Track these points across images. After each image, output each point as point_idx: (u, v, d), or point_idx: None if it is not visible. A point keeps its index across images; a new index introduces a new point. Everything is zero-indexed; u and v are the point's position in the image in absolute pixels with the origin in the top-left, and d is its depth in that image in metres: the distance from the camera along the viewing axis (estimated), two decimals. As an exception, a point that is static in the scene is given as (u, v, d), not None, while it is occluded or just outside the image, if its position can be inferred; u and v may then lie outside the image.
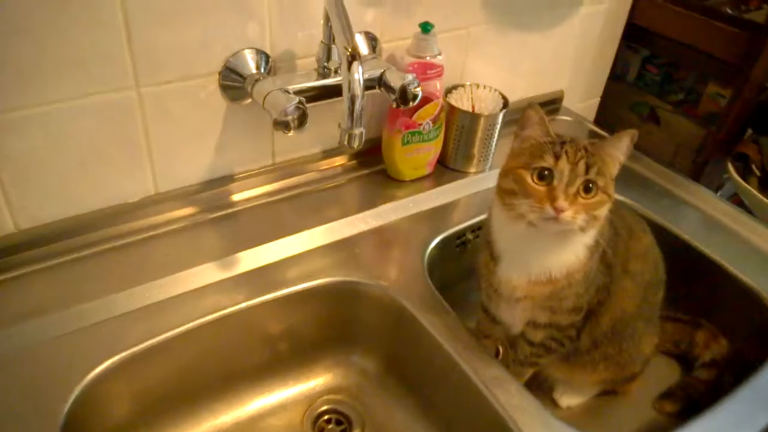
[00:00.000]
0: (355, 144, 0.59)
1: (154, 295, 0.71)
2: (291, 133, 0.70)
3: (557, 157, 0.58)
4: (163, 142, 0.75)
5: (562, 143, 0.60)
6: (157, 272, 0.73)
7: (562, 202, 0.57)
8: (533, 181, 0.59)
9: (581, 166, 0.58)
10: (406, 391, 0.81)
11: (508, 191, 0.62)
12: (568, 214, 0.57)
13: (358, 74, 0.56)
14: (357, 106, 0.56)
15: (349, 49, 0.56)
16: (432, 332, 0.72)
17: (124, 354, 0.65)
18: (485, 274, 0.72)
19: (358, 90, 0.56)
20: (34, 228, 0.71)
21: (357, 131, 0.58)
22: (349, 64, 0.56)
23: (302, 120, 0.70)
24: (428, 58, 0.84)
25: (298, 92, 0.73)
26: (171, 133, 0.75)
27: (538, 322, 0.71)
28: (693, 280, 0.88)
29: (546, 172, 0.58)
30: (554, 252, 0.64)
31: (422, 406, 0.79)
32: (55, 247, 0.73)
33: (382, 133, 0.92)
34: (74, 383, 0.61)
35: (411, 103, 0.79)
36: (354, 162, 0.96)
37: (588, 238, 0.64)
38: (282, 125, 0.69)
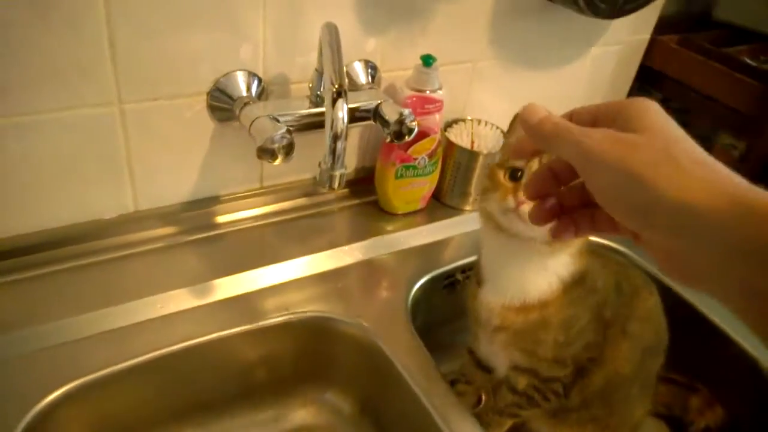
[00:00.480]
0: (335, 185, 0.56)
1: (122, 318, 0.68)
2: (276, 162, 0.67)
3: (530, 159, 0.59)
4: (145, 160, 0.73)
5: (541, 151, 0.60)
6: (128, 294, 0.70)
7: (523, 195, 0.56)
8: (504, 178, 0.59)
9: None
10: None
11: (483, 190, 0.62)
12: (526, 207, 0.56)
13: (342, 112, 0.53)
14: (339, 146, 0.54)
15: (336, 85, 0.54)
16: (408, 380, 0.68)
17: (84, 379, 0.62)
18: (470, 303, 0.69)
19: (341, 128, 0.53)
20: (2, 239, 0.69)
21: (338, 172, 0.55)
22: (334, 100, 0.53)
23: (289, 150, 0.67)
24: (428, 92, 0.81)
25: (288, 120, 0.71)
26: (154, 151, 0.73)
27: (520, 366, 0.68)
28: (692, 342, 0.84)
29: (518, 173, 0.58)
30: (528, 272, 0.62)
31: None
32: (24, 260, 0.70)
33: (376, 163, 0.90)
34: (28, 407, 0.58)
35: (406, 138, 0.76)
36: (346, 191, 0.93)
37: (561, 267, 0.62)
38: (267, 153, 0.66)
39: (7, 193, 0.67)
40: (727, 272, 0.28)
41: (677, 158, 0.29)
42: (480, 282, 0.67)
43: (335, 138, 0.52)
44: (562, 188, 0.41)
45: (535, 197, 0.42)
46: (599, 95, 1.14)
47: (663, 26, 1.13)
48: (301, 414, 0.79)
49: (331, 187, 0.56)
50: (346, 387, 0.79)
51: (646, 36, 1.13)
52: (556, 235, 0.41)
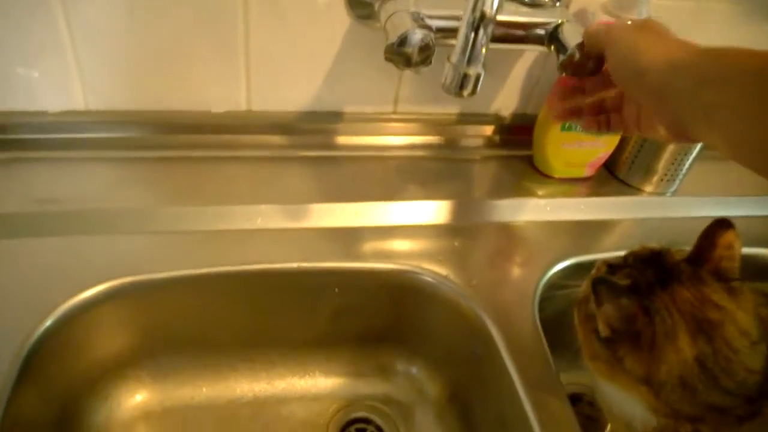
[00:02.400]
0: (467, 90, 0.40)
1: (202, 222, 0.60)
2: (407, 70, 0.53)
3: None
4: (265, 52, 0.63)
5: None
6: (216, 198, 0.62)
7: None
8: None
9: None
10: (465, 435, 0.62)
11: None
12: None
13: (493, -10, 0.37)
14: (480, 37, 0.38)
15: (493, -48, 0.37)
16: (515, 380, 0.53)
17: (141, 277, 0.55)
18: None
19: (490, 10, 0.37)
20: (105, 111, 0.63)
21: (472, 72, 0.39)
22: (485, -30, 0.37)
23: (425, 57, 0.53)
24: (630, 21, 0.61)
25: (438, 24, 0.56)
26: (277, 43, 0.62)
27: None
28: None
29: None
30: None
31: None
32: (120, 139, 0.64)
33: (541, 110, 0.72)
34: (75, 291, 0.52)
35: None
36: (497, 137, 0.77)
37: None
38: (397, 56, 0.52)
39: (113, 63, 0.60)
40: (697, 102, 0.36)
41: (665, 37, 0.41)
42: None
43: (476, 24, 0.37)
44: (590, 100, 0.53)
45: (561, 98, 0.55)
46: None
47: None
48: (379, 382, 0.66)
49: (459, 90, 0.40)
50: (437, 366, 0.65)
51: None
52: (585, 126, 0.52)
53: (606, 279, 0.45)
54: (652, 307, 0.42)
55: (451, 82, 0.40)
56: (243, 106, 0.67)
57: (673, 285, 0.44)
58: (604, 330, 0.45)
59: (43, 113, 0.62)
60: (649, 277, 0.45)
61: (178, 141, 0.66)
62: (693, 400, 0.43)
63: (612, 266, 0.50)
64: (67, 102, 0.62)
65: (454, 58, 0.39)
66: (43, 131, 0.63)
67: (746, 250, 0.70)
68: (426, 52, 0.53)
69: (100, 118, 0.63)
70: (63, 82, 0.61)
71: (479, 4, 0.36)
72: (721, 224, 0.47)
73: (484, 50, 0.39)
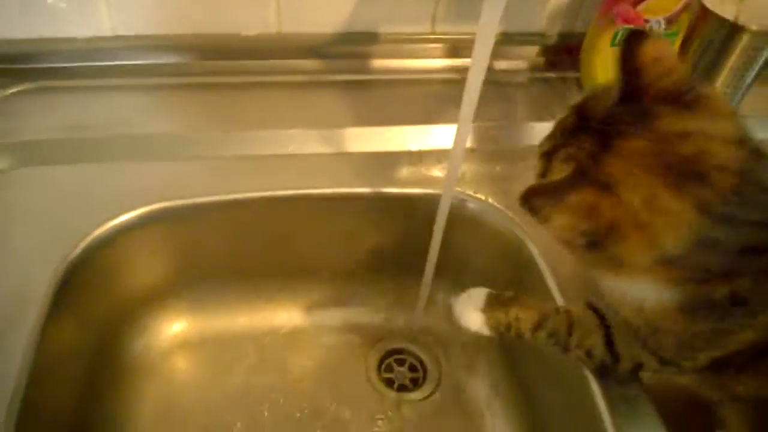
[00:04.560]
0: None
1: (235, 146, 0.59)
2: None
3: None
4: (295, -34, 0.60)
5: None
6: (248, 122, 0.60)
7: None
8: None
9: None
10: (507, 370, 0.61)
11: None
12: None
13: None
14: None
15: None
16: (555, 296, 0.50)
17: (175, 203, 0.54)
18: None
19: None
20: (132, 36, 0.62)
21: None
22: None
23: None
24: None
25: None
26: (306, -44, 0.59)
27: None
28: None
29: None
30: None
31: (519, 394, 0.58)
32: (148, 66, 0.63)
33: (590, 26, 0.67)
34: (105, 218, 0.51)
35: (640, -20, 0.53)
36: (542, 59, 0.72)
37: None
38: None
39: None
40: None
41: None
42: None
43: None
44: None
45: None
46: None
47: None
48: (422, 314, 0.65)
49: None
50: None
51: None
52: None
53: (534, 189, 0.36)
54: (610, 182, 0.33)
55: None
56: (273, 28, 0.64)
57: (619, 142, 0.34)
58: (573, 240, 0.36)
59: (72, 40, 0.61)
60: (589, 147, 0.35)
61: (207, 66, 0.64)
62: (723, 252, 0.35)
63: (548, 153, 0.40)
64: (95, 28, 0.61)
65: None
66: (72, 59, 0.62)
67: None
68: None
69: (128, 44, 0.62)
70: (90, 8, 0.60)
71: None
72: (634, 38, 0.36)
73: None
